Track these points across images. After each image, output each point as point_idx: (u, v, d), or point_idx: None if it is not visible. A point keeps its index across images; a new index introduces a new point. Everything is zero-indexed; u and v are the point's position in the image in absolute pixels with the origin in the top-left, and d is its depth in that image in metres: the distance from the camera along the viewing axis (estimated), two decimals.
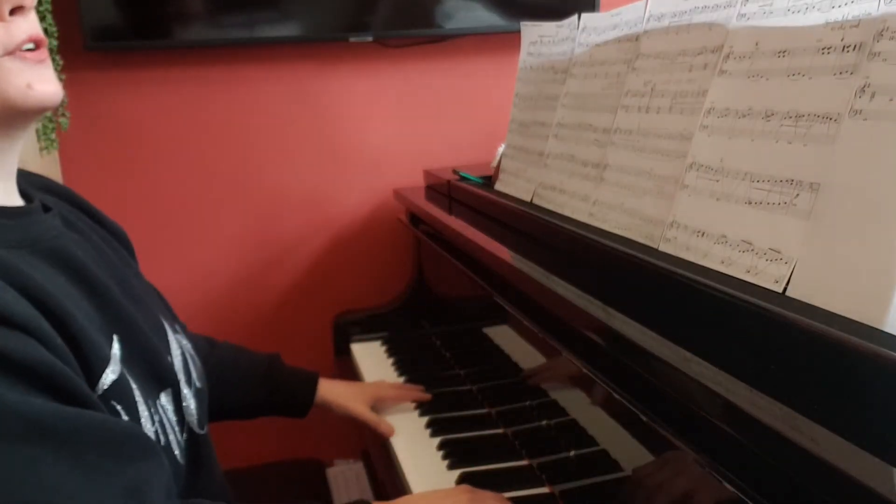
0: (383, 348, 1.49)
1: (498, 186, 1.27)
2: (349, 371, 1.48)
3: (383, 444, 1.15)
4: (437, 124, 1.76)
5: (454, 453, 1.05)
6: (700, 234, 0.74)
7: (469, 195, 1.33)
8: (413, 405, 1.22)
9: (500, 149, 1.33)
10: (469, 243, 1.10)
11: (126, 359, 0.69)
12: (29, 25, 0.65)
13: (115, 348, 0.69)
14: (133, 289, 0.80)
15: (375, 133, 1.74)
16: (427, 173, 1.62)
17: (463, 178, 1.41)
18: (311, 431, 1.77)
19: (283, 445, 1.74)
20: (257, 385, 1.13)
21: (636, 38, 0.94)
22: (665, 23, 0.89)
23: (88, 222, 0.85)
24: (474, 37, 1.69)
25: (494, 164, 1.36)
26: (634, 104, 0.92)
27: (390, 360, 1.42)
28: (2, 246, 0.63)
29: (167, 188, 1.66)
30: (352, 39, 1.60)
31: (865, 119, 0.59)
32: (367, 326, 1.57)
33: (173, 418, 0.76)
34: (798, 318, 0.55)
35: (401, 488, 1.01)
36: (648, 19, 0.93)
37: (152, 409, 0.71)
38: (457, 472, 1.00)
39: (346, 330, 1.57)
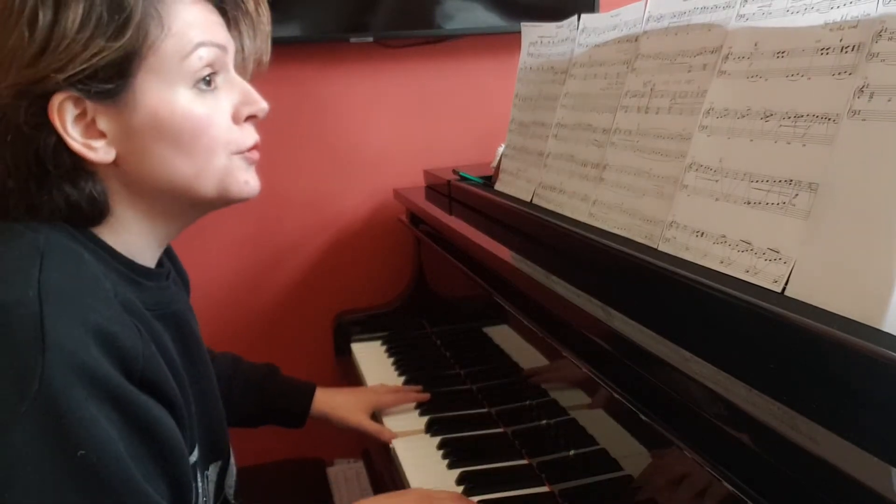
0: (383, 348, 1.50)
1: (498, 186, 1.27)
2: (349, 371, 1.48)
3: (383, 443, 1.15)
4: (438, 124, 1.76)
5: (454, 452, 1.05)
6: (699, 234, 0.74)
7: (469, 195, 1.33)
8: (413, 405, 1.22)
9: (500, 149, 1.33)
10: (469, 243, 1.10)
11: (201, 426, 0.75)
12: (254, 134, 0.76)
13: (195, 415, 0.74)
14: (205, 357, 0.84)
15: (376, 133, 1.74)
16: (427, 173, 1.62)
17: (463, 178, 1.41)
18: (311, 431, 1.77)
19: (283, 445, 1.74)
20: (254, 396, 1.15)
21: (636, 38, 0.95)
22: (664, 23, 0.90)
23: (174, 275, 0.87)
24: (474, 37, 1.69)
25: (494, 164, 1.36)
26: (634, 104, 0.92)
27: (390, 360, 1.42)
28: (141, 306, 0.68)
29: None
30: (352, 40, 1.60)
31: (864, 119, 0.59)
32: (368, 326, 1.57)
33: (212, 489, 0.80)
34: (797, 318, 0.56)
35: (401, 487, 1.01)
36: (648, 20, 0.93)
37: (202, 482, 0.75)
38: (457, 472, 1.00)
39: (347, 329, 1.57)
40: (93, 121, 0.66)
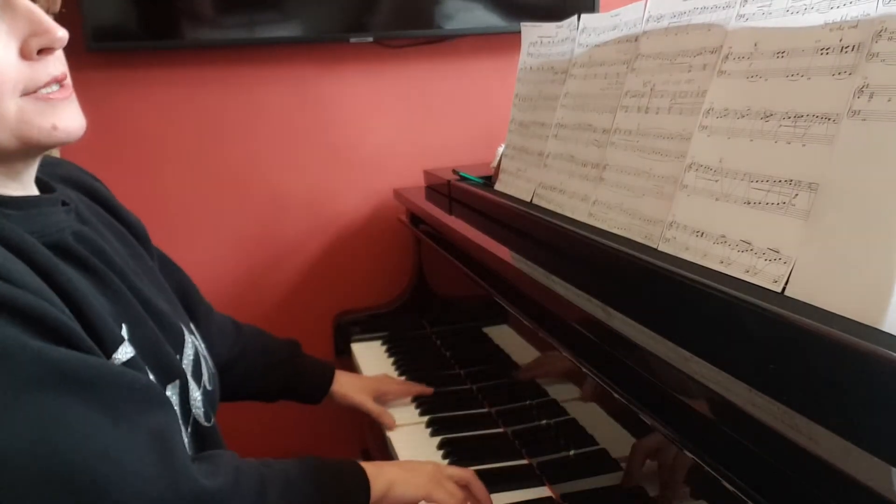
0: (383, 348, 1.50)
1: (498, 186, 1.27)
2: (350, 370, 1.48)
3: (383, 442, 1.16)
4: (438, 124, 1.76)
5: (454, 452, 1.05)
6: (699, 234, 0.74)
7: (469, 195, 1.33)
8: (414, 404, 1.23)
9: (500, 149, 1.33)
10: (469, 243, 1.10)
11: (134, 347, 0.70)
12: (54, 66, 0.65)
13: (125, 334, 0.70)
14: (144, 286, 0.80)
15: (376, 133, 1.74)
16: (427, 173, 1.62)
17: (463, 178, 1.41)
18: (311, 430, 1.78)
19: (283, 443, 1.74)
20: (279, 372, 1.15)
21: (636, 38, 0.95)
22: (664, 23, 0.90)
23: (106, 217, 0.85)
24: (474, 37, 1.69)
25: (494, 164, 1.37)
26: (634, 104, 0.92)
27: (391, 360, 1.42)
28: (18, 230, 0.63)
29: (167, 188, 1.66)
30: (352, 40, 1.60)
31: (864, 119, 0.59)
32: (368, 326, 1.57)
33: (178, 411, 0.76)
34: (797, 318, 0.56)
35: None
36: (648, 20, 0.93)
37: None
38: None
39: (347, 329, 1.57)
40: None
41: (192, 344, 0.86)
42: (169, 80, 1.62)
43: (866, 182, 0.58)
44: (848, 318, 0.56)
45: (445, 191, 1.45)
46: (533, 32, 1.24)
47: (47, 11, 0.65)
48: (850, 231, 0.58)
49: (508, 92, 1.31)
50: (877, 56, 0.59)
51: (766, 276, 0.65)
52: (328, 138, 1.72)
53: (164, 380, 0.75)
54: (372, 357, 1.46)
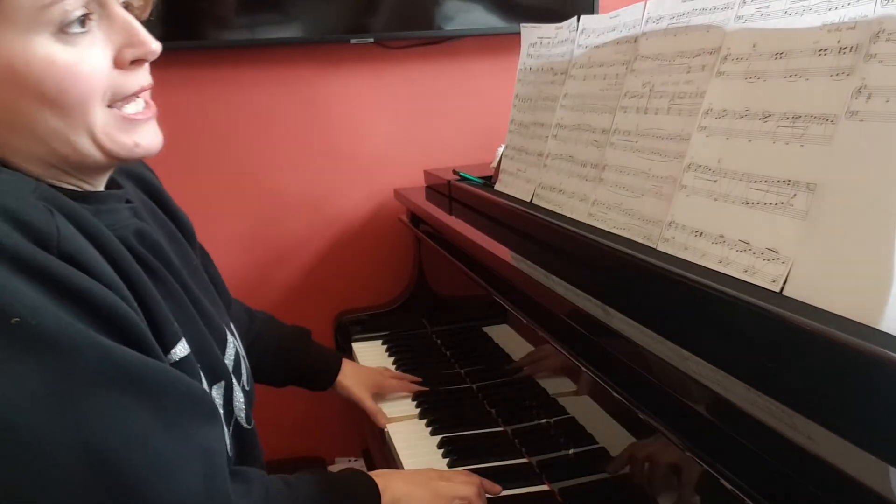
0: (384, 347, 1.50)
1: (498, 187, 1.27)
2: None
3: (383, 441, 1.16)
4: (438, 125, 1.77)
5: (454, 451, 1.05)
6: (698, 234, 0.75)
7: (469, 195, 1.33)
8: (414, 404, 1.23)
9: (500, 149, 1.33)
10: (469, 243, 1.11)
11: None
12: (143, 76, 0.67)
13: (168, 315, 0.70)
14: (192, 286, 0.80)
15: (376, 133, 1.74)
16: (427, 173, 1.63)
17: (463, 179, 1.42)
18: (313, 430, 1.78)
19: (285, 443, 1.75)
20: (291, 359, 1.18)
21: (635, 39, 0.95)
22: (663, 25, 0.90)
23: (158, 213, 0.85)
24: (474, 38, 1.70)
25: (494, 164, 1.37)
26: (633, 105, 0.92)
27: (391, 359, 1.43)
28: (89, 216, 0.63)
29: (168, 188, 1.66)
30: (353, 41, 1.61)
31: (862, 120, 0.59)
32: (368, 326, 1.58)
33: (221, 412, 0.76)
34: (795, 318, 0.56)
35: None
36: (647, 21, 0.93)
37: None
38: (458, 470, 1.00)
39: (348, 329, 1.58)
40: None
41: (233, 344, 0.86)
42: (170, 82, 1.62)
43: (864, 182, 0.58)
44: (846, 318, 0.56)
45: (445, 191, 1.45)
46: (532, 33, 1.24)
47: (139, 19, 0.67)
48: (847, 231, 0.59)
49: (508, 92, 1.31)
50: (875, 57, 0.60)
51: (765, 275, 0.65)
52: (329, 138, 1.72)
53: (212, 380, 0.75)
54: (372, 356, 1.46)
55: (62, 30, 0.60)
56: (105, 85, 0.63)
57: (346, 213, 1.76)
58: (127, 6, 0.66)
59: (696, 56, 0.82)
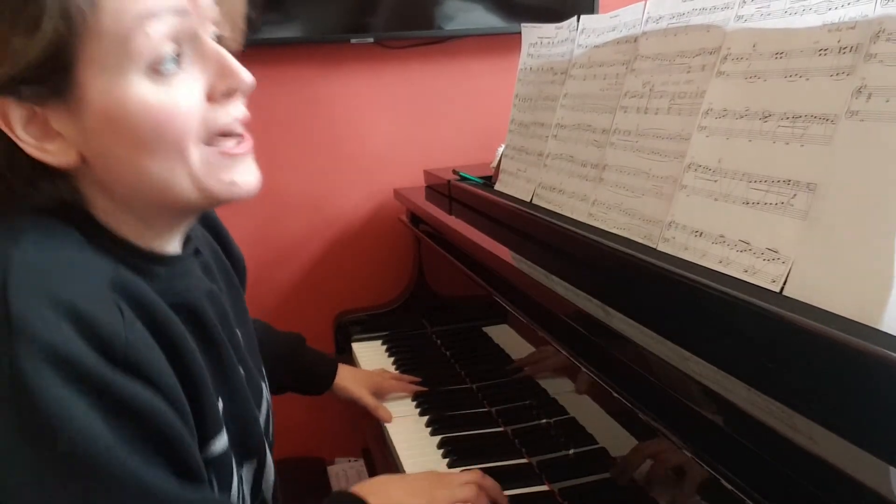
0: (384, 347, 1.50)
1: (498, 186, 1.27)
2: None
3: (384, 441, 1.16)
4: (438, 125, 1.77)
5: (454, 451, 1.05)
6: (698, 234, 0.75)
7: (469, 195, 1.33)
8: (414, 403, 1.23)
9: (500, 149, 1.33)
10: (469, 243, 1.11)
11: (226, 424, 0.69)
12: (237, 108, 0.64)
13: (220, 407, 0.69)
14: (241, 344, 0.79)
15: (376, 133, 1.74)
16: (427, 173, 1.63)
17: (463, 179, 1.42)
18: (313, 430, 1.78)
19: (285, 443, 1.74)
20: (288, 366, 1.17)
21: (635, 39, 0.95)
22: (663, 24, 0.90)
23: (218, 253, 0.84)
24: (474, 38, 1.70)
25: (494, 164, 1.37)
26: (633, 105, 0.92)
27: (391, 360, 1.43)
28: (150, 291, 0.62)
29: None
30: (353, 41, 1.61)
31: (862, 120, 0.59)
32: (368, 326, 1.58)
33: (248, 489, 0.75)
34: (795, 318, 0.56)
35: None
36: (647, 21, 0.93)
37: (237, 481, 0.71)
38: (457, 470, 1.00)
39: (347, 329, 1.58)
40: (45, 121, 0.57)
41: (266, 396, 0.84)
42: None
43: (864, 182, 0.58)
44: (846, 318, 0.56)
45: (445, 191, 1.45)
46: (533, 33, 1.24)
47: (230, 50, 0.64)
48: (848, 231, 0.58)
49: (508, 92, 1.31)
50: (875, 57, 0.60)
51: (765, 275, 0.65)
52: (329, 138, 1.72)
53: (245, 456, 0.74)
54: (372, 356, 1.46)
55: (154, 69, 0.57)
56: (199, 121, 0.61)
57: (346, 213, 1.76)
58: (218, 38, 0.64)
59: (697, 56, 0.82)
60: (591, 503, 0.85)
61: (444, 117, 1.76)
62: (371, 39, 1.62)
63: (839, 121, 0.62)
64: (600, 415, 0.80)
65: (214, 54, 0.62)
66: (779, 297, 0.62)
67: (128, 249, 0.63)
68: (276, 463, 0.84)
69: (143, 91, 0.57)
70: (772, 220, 0.66)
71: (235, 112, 0.64)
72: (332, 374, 1.22)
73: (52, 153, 0.58)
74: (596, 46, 1.05)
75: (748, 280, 0.66)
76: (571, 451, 0.89)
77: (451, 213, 1.33)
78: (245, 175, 0.65)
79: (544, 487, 0.94)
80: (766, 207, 0.67)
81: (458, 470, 1.00)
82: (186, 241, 0.72)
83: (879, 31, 0.60)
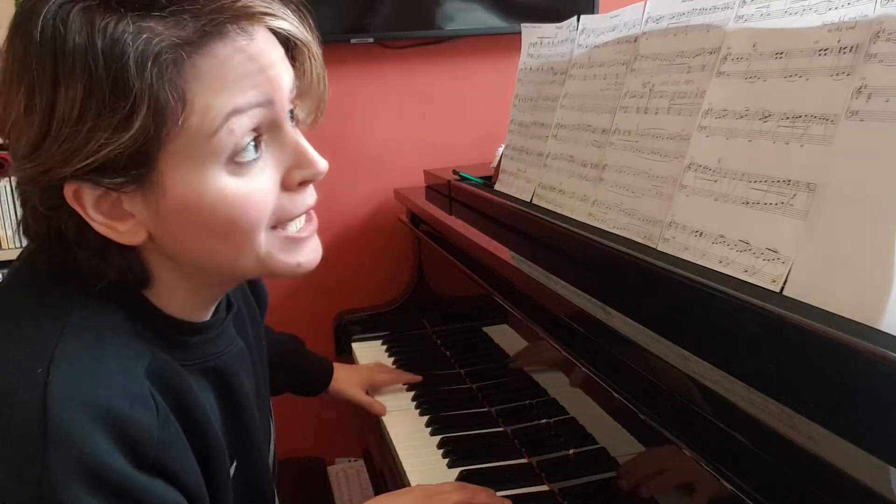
0: (384, 347, 1.50)
1: (498, 186, 1.27)
2: None
3: (383, 441, 1.16)
4: (438, 125, 1.77)
5: (454, 451, 1.05)
6: (698, 234, 0.75)
7: (469, 195, 1.33)
8: (413, 403, 1.23)
9: (500, 149, 1.33)
10: (469, 243, 1.11)
11: (234, 481, 0.70)
12: (310, 196, 0.65)
13: (232, 470, 0.70)
14: (260, 393, 0.80)
15: (376, 133, 1.74)
16: (427, 173, 1.62)
17: (463, 179, 1.42)
18: (313, 430, 1.78)
19: (285, 444, 1.74)
20: (287, 368, 1.18)
21: (635, 39, 0.95)
22: (663, 24, 0.90)
23: (247, 293, 0.84)
24: (475, 38, 1.70)
25: (494, 164, 1.37)
26: (633, 105, 0.92)
27: (391, 360, 1.43)
28: (183, 364, 0.63)
29: None
30: (353, 41, 1.61)
31: (862, 120, 0.59)
32: (368, 326, 1.58)
33: None
34: (795, 318, 0.56)
35: (401, 486, 1.02)
36: (647, 21, 0.93)
37: None
38: (457, 471, 1.00)
39: (348, 329, 1.58)
40: (118, 200, 0.57)
41: (272, 430, 0.86)
42: None
43: (864, 182, 0.58)
44: (846, 318, 0.56)
45: (445, 191, 1.45)
46: (533, 33, 1.24)
47: (310, 125, 0.66)
48: (848, 231, 0.58)
49: (508, 92, 1.31)
50: (875, 57, 0.60)
51: (765, 275, 0.65)
52: (329, 138, 1.71)
53: None
54: (372, 356, 1.46)
55: (233, 160, 0.57)
56: (272, 211, 0.61)
57: (346, 213, 1.77)
58: (292, 115, 0.64)
59: (696, 56, 0.82)
60: (591, 503, 0.85)
61: (444, 117, 1.76)
62: (371, 39, 1.62)
63: (839, 121, 0.62)
64: (600, 415, 0.80)
65: (293, 143, 0.62)
66: (779, 297, 0.62)
67: (171, 325, 0.64)
68: (283, 460, 0.86)
69: (222, 184, 0.57)
70: (772, 220, 0.66)
71: (308, 201, 0.65)
72: (329, 376, 1.24)
73: (122, 233, 0.58)
74: (596, 46, 1.05)
75: (748, 280, 0.66)
76: (571, 451, 0.89)
77: (451, 214, 1.33)
78: (309, 255, 0.66)
79: (544, 487, 0.94)
80: (765, 207, 0.67)
81: (458, 470, 1.00)
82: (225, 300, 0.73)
83: (879, 31, 0.60)
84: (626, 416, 0.73)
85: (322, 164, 0.64)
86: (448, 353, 1.38)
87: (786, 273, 0.63)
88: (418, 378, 1.29)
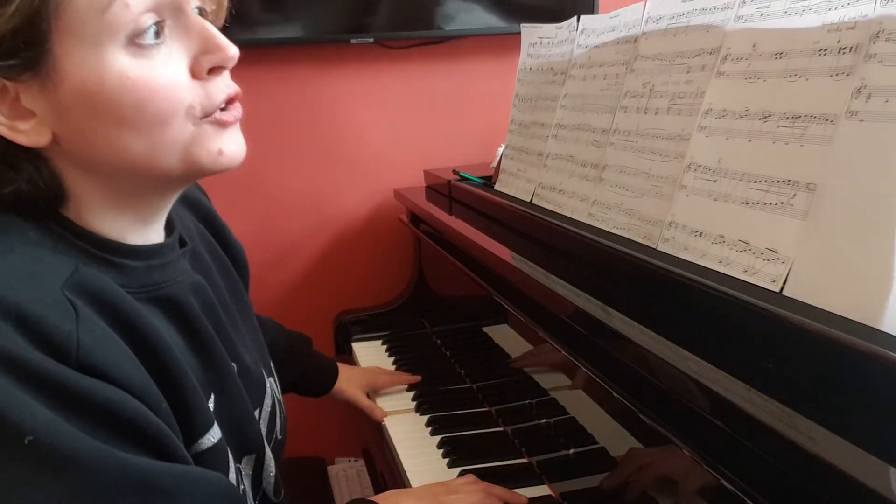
0: (384, 347, 1.50)
1: (498, 186, 1.27)
2: None
3: (384, 441, 1.16)
4: (438, 125, 1.77)
5: (454, 451, 1.05)
6: (698, 234, 0.75)
7: (469, 195, 1.33)
8: (413, 403, 1.23)
9: (500, 149, 1.33)
10: (469, 243, 1.11)
11: (217, 419, 0.67)
12: (227, 84, 0.62)
13: (211, 405, 0.67)
14: (238, 339, 0.77)
15: (376, 133, 1.74)
16: (427, 173, 1.63)
17: (463, 179, 1.42)
18: (313, 430, 1.78)
19: (287, 444, 1.75)
20: (296, 367, 1.19)
21: (635, 39, 0.95)
22: (663, 25, 0.90)
23: (215, 247, 0.82)
24: (474, 38, 1.70)
25: (494, 164, 1.37)
26: (633, 105, 0.92)
27: (391, 360, 1.43)
28: (126, 290, 0.60)
29: None
30: (353, 41, 1.61)
31: (861, 120, 0.59)
32: (368, 326, 1.58)
33: (248, 483, 0.74)
34: (795, 318, 0.56)
35: (401, 486, 1.02)
36: (647, 21, 0.94)
37: (235, 473, 0.70)
38: (457, 470, 1.00)
39: (348, 329, 1.58)
40: (16, 98, 0.55)
41: (271, 392, 0.83)
42: None
43: (864, 182, 0.58)
44: (846, 318, 0.56)
45: (445, 191, 1.45)
46: (533, 33, 1.24)
47: (214, 24, 0.62)
48: (847, 231, 0.59)
49: (508, 92, 1.31)
50: (874, 57, 0.60)
51: (765, 275, 0.65)
52: (329, 138, 1.72)
53: (241, 453, 0.72)
54: (372, 356, 1.46)
55: (134, 42, 0.55)
56: (189, 98, 0.58)
57: (345, 213, 1.77)
58: (200, 12, 0.61)
59: (696, 56, 0.82)
60: (591, 503, 0.85)
61: (444, 117, 1.76)
62: (371, 39, 1.62)
63: (839, 121, 0.62)
64: (600, 415, 0.80)
65: (198, 28, 0.59)
66: (779, 297, 0.62)
67: (96, 244, 0.61)
68: (283, 460, 0.84)
69: (122, 65, 0.55)
70: (771, 220, 0.66)
71: (227, 88, 0.62)
72: (334, 379, 1.24)
73: (25, 133, 0.56)
74: (596, 47, 1.05)
75: (748, 280, 0.66)
76: (571, 451, 0.89)
77: (451, 213, 1.33)
78: (231, 144, 0.63)
79: (544, 487, 0.94)
80: (765, 207, 0.67)
81: (458, 470, 1.00)
82: (170, 233, 0.70)
83: (879, 31, 0.60)
84: (626, 416, 0.73)
85: (232, 49, 0.61)
86: (448, 353, 1.38)
87: (786, 273, 0.63)
88: (417, 379, 1.29)
